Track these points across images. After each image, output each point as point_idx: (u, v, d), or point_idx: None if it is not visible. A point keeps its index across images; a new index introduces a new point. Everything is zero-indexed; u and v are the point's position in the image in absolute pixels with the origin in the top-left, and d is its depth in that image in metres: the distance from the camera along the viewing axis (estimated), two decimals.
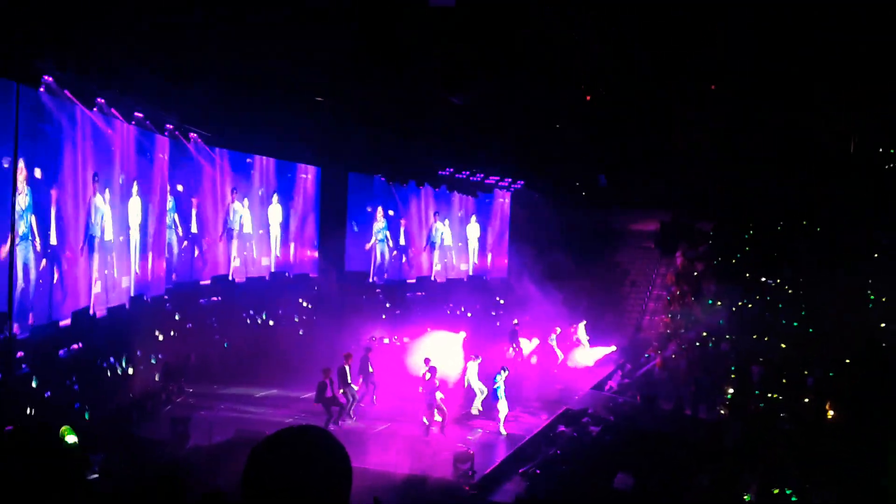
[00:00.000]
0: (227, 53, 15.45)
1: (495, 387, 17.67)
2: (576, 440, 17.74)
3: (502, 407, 17.65)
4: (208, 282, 22.70)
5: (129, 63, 15.10)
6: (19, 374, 14.31)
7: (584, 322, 25.87)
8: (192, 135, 20.36)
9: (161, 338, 19.90)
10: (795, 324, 23.84)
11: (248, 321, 23.32)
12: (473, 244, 32.54)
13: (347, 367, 17.89)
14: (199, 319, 21.87)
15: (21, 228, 14.58)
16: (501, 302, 30.18)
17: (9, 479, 2.79)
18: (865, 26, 17.69)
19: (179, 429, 15.58)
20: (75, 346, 16.61)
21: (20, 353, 14.53)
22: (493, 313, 29.45)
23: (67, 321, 16.44)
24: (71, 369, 16.03)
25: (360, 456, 14.82)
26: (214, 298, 22.65)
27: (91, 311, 17.44)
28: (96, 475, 13.86)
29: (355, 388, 17.97)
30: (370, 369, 19.02)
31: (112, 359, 17.88)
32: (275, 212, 25.12)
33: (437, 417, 17.18)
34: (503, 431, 17.59)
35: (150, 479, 4.48)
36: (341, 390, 17.62)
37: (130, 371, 18.12)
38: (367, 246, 28.15)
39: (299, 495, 2.06)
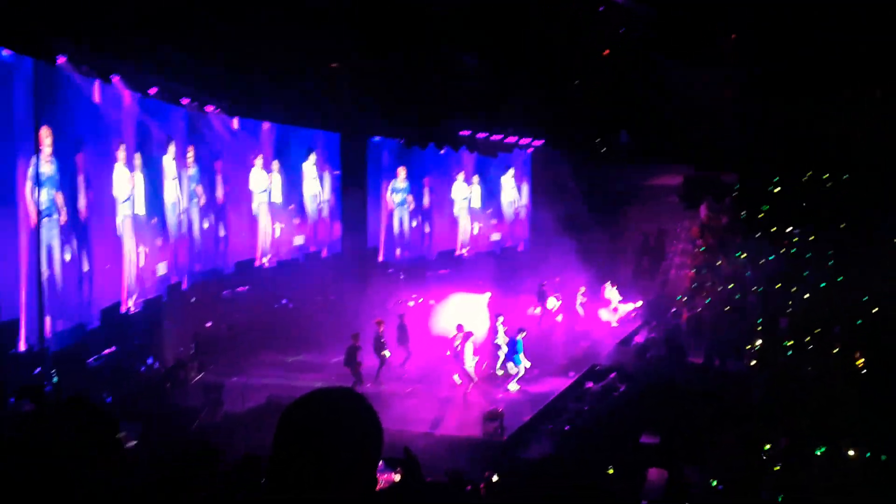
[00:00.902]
0: (239, 22, 15.39)
1: (516, 348, 17.82)
2: (603, 396, 17.87)
3: (521, 366, 17.80)
4: (232, 270, 21.57)
5: (143, 37, 15.05)
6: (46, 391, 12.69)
7: (610, 282, 25.78)
8: (209, 107, 20.34)
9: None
10: (823, 281, 23.58)
11: (276, 307, 22.12)
12: (509, 196, 31.45)
13: (381, 334, 17.95)
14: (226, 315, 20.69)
15: (44, 202, 14.13)
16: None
17: (45, 450, 2.88)
18: None
19: (212, 396, 15.90)
20: (106, 351, 15.78)
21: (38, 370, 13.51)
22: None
23: (96, 323, 15.56)
24: (104, 381, 15.08)
25: (389, 417, 15.03)
26: (241, 289, 21.35)
27: (126, 307, 16.61)
28: (134, 443, 14.20)
29: (388, 353, 18.04)
30: (407, 335, 19.10)
31: (151, 360, 17.09)
32: (309, 184, 24.21)
33: (470, 378, 17.36)
34: (516, 387, 17.71)
35: (184, 445, 4.60)
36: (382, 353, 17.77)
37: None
38: (389, 208, 26.85)
39: (329, 456, 2.10)
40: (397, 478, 8.34)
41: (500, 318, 19.30)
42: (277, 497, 2.13)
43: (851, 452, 13.40)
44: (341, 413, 2.16)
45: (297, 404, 2.17)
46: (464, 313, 20.15)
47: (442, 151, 27.64)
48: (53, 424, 3.16)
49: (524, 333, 18.28)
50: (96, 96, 15.90)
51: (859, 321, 20.36)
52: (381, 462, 2.23)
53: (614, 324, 24.60)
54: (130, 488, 2.98)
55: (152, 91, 17.51)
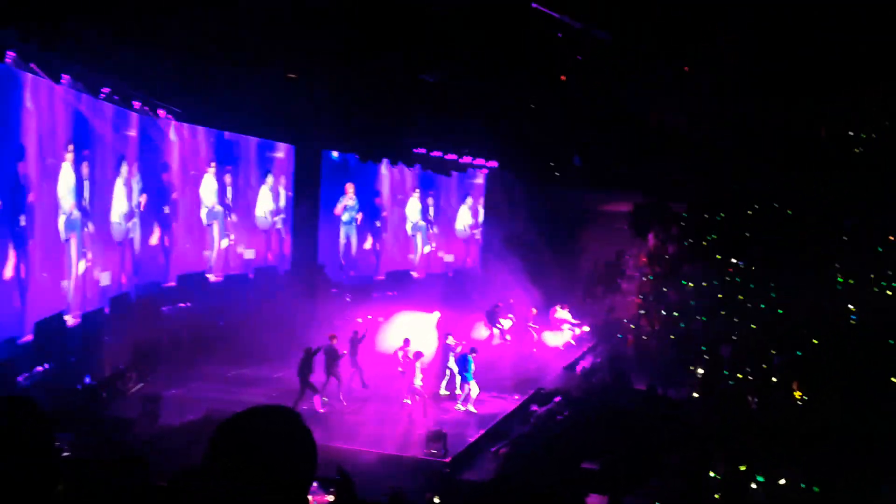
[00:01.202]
0: (197, 27, 15.16)
1: (467, 366, 17.79)
2: (547, 420, 17.88)
3: (473, 387, 17.78)
4: (173, 283, 20.85)
5: (95, 36, 14.72)
6: None
7: (560, 305, 25.88)
8: (161, 112, 19.99)
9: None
10: (763, 305, 24.08)
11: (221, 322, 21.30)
12: (465, 218, 31.22)
13: (335, 349, 17.59)
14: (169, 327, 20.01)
15: None
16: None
17: None
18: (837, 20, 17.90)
19: (149, 407, 15.49)
20: (39, 368, 14.86)
21: None
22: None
23: (29, 336, 14.60)
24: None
25: (331, 435, 14.84)
26: (182, 305, 20.60)
27: (64, 319, 15.80)
28: (67, 453, 13.74)
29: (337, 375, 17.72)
30: (357, 351, 18.77)
31: (88, 378, 16.26)
32: (263, 196, 23.73)
33: (419, 394, 17.24)
34: (472, 409, 17.69)
35: (115, 458, 4.45)
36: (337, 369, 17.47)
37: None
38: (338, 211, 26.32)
39: (259, 475, 2.04)
40: (330, 499, 8.18)
41: (449, 337, 19.22)
42: None
43: (782, 481, 13.60)
44: (273, 433, 2.10)
45: (230, 421, 2.12)
46: (412, 331, 20.03)
47: (394, 168, 27.62)
48: None
49: (475, 353, 18.24)
50: (42, 96, 15.46)
51: (798, 352, 20.80)
52: (314, 482, 2.17)
53: (560, 347, 24.70)
54: (55, 494, 2.82)
55: (104, 92, 17.13)
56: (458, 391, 17.97)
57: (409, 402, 17.28)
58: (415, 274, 29.25)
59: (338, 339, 17.82)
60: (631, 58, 21.92)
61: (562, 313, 25.59)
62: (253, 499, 2.01)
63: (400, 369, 17.54)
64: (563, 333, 25.24)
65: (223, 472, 2.04)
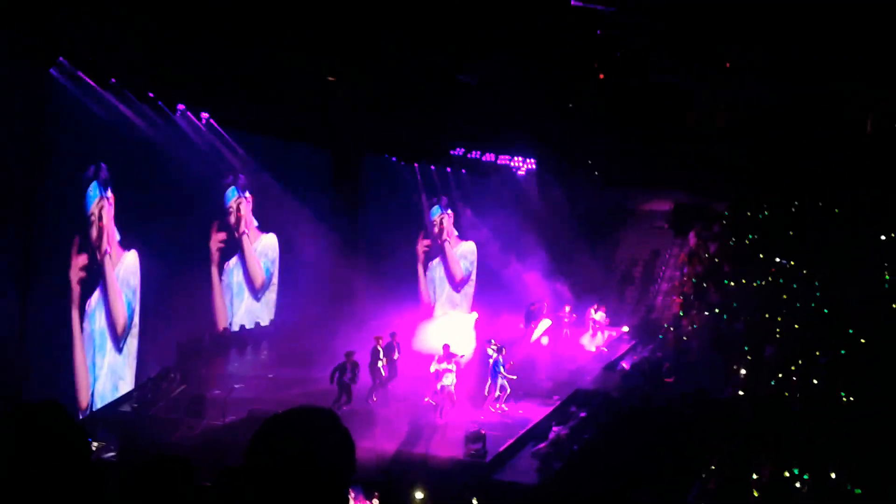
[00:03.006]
0: (239, 39, 15.37)
1: (496, 366, 17.65)
2: (587, 422, 17.77)
3: (501, 385, 17.65)
4: None
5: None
6: None
7: (595, 306, 25.45)
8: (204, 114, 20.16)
9: None
10: (808, 305, 23.67)
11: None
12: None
13: (380, 349, 17.66)
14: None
15: None
16: None
17: (16, 458, 2.80)
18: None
19: (193, 408, 15.73)
20: None
21: None
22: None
23: None
24: None
25: (370, 436, 14.92)
26: None
27: None
28: (112, 454, 14.02)
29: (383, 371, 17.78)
30: (395, 353, 18.83)
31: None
32: None
33: (448, 399, 17.13)
34: (504, 408, 17.57)
35: (160, 459, 4.51)
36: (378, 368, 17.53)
37: None
38: None
39: (299, 474, 2.08)
40: (376, 503, 8.23)
41: (492, 344, 18.82)
42: None
43: (833, 475, 13.37)
44: (314, 433, 2.15)
45: (271, 422, 2.16)
46: (450, 332, 20.05)
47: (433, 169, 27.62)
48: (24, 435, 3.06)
49: (504, 352, 18.09)
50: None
51: (843, 351, 20.42)
52: (358, 484, 2.22)
53: (592, 349, 24.28)
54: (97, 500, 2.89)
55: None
56: (486, 392, 17.81)
57: (432, 401, 17.10)
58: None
59: (382, 340, 17.89)
60: (672, 53, 21.75)
61: (596, 314, 25.14)
62: (293, 498, 2.05)
63: (433, 369, 17.22)
64: (596, 337, 24.82)
65: (264, 472, 2.08)
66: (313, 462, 2.08)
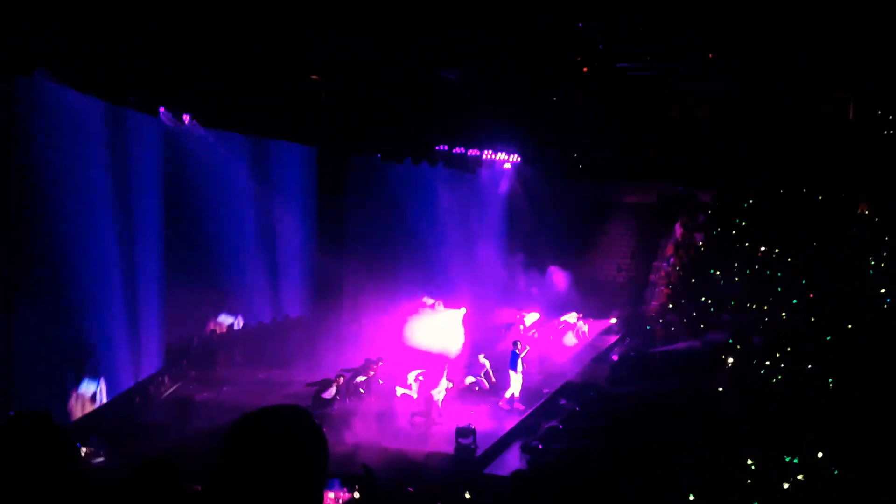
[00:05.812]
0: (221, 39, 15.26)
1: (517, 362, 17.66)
2: (577, 413, 17.83)
3: (515, 381, 17.65)
4: None
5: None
6: None
7: (575, 313, 25.33)
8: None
9: None
10: (793, 292, 23.80)
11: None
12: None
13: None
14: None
15: None
16: None
17: (8, 465, 2.80)
18: None
19: (181, 412, 15.67)
20: None
21: None
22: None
23: None
24: None
25: (357, 431, 14.93)
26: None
27: None
28: (101, 459, 13.94)
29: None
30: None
31: None
32: None
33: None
34: (504, 405, 17.66)
35: (145, 462, 4.51)
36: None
37: None
38: None
39: (272, 472, 2.07)
40: (355, 496, 8.20)
41: (517, 344, 18.41)
42: None
43: (819, 455, 13.48)
44: (285, 429, 2.13)
45: (242, 421, 2.15)
46: (438, 328, 20.04)
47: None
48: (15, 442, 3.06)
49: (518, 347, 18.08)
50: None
51: (829, 337, 20.53)
52: (337, 479, 2.22)
53: (575, 341, 24.35)
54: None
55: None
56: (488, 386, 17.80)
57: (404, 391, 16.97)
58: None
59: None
60: (653, 45, 21.79)
61: (568, 317, 25.06)
62: (267, 495, 2.04)
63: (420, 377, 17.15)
64: (573, 330, 24.85)
65: (235, 472, 2.07)
66: (286, 459, 2.07)
